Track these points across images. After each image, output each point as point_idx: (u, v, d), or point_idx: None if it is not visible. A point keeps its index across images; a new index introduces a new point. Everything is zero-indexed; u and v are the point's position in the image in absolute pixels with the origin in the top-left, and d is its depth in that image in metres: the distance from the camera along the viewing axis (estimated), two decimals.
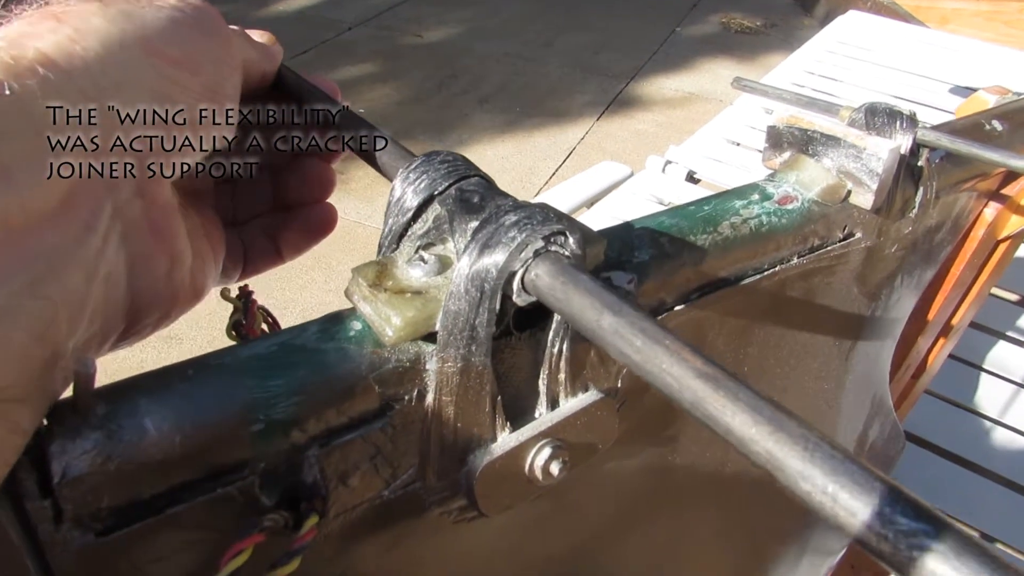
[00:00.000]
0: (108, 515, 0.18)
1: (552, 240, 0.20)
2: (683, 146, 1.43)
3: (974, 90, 1.56)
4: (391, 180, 0.25)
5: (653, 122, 2.78)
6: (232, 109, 0.23)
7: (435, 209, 0.23)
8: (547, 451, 0.23)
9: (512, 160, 2.53)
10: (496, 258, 0.20)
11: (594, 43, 3.41)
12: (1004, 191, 0.44)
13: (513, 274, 0.20)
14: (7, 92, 0.16)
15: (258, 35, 0.30)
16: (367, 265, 0.22)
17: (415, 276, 0.21)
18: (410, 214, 0.23)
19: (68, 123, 0.17)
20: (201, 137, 0.21)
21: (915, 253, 0.37)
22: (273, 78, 0.29)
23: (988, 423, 0.92)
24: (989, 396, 0.96)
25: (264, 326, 0.31)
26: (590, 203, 1.29)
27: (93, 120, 0.18)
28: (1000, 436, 0.91)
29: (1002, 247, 0.48)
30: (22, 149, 0.17)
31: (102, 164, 0.18)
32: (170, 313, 0.22)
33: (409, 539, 0.23)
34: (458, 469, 0.23)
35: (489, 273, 0.20)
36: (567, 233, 0.20)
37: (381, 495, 0.22)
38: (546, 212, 0.21)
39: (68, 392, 0.18)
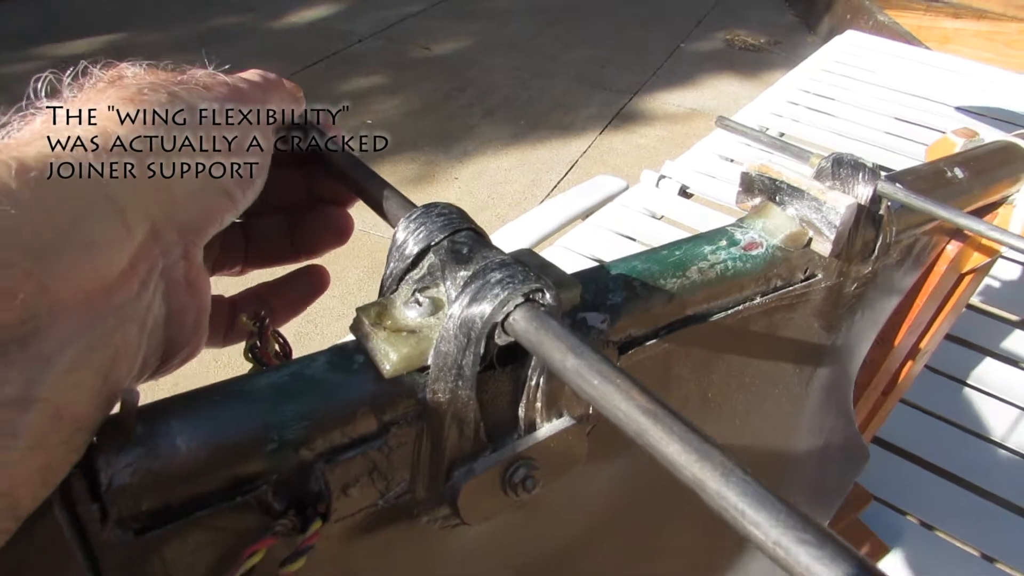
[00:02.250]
0: (145, 517, 0.21)
1: (531, 294, 0.23)
2: (678, 161, 1.46)
3: (971, 111, 1.59)
4: (393, 226, 0.28)
5: (655, 137, 2.82)
6: (262, 180, 0.27)
7: (431, 258, 0.26)
8: (523, 470, 0.26)
9: (516, 172, 2.56)
10: (483, 309, 0.23)
11: (599, 58, 3.45)
12: (966, 231, 0.47)
13: (496, 323, 0.23)
14: (89, 176, 0.19)
15: (287, 83, 0.33)
16: (370, 305, 0.25)
17: (411, 316, 0.25)
18: (409, 261, 0.26)
19: (139, 202, 0.21)
20: (236, 203, 0.25)
21: (875, 289, 0.40)
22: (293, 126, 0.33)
23: (964, 434, 0.96)
24: (970, 409, 1.00)
25: (275, 346, 0.34)
26: (585, 215, 1.33)
27: (157, 202, 0.21)
28: (975, 446, 0.95)
29: (967, 279, 0.51)
30: (103, 227, 0.20)
31: (164, 236, 0.22)
32: (193, 353, 0.25)
33: (400, 542, 0.27)
34: (444, 484, 0.26)
35: (475, 323, 0.23)
36: (544, 290, 0.24)
37: (376, 504, 0.25)
38: (527, 271, 0.24)
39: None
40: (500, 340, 0.24)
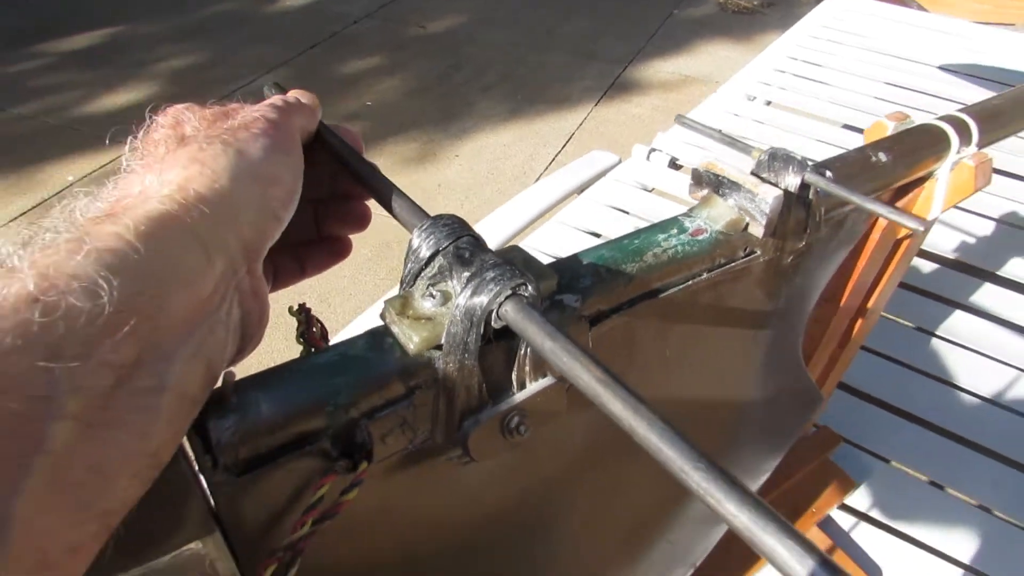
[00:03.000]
0: (243, 464, 0.29)
1: (517, 288, 0.31)
2: (668, 133, 1.53)
3: (956, 70, 1.63)
4: (408, 230, 0.35)
5: (650, 106, 2.86)
6: (298, 196, 0.34)
7: (440, 259, 0.33)
8: (517, 419, 0.35)
9: (514, 147, 2.62)
10: (481, 299, 0.30)
11: (594, 29, 3.48)
12: (897, 203, 0.55)
13: (492, 311, 0.31)
14: (188, 221, 0.27)
15: (306, 98, 0.38)
16: (395, 298, 0.33)
17: (427, 307, 0.32)
18: (423, 262, 0.34)
19: (217, 239, 0.28)
20: (283, 221, 0.33)
21: (810, 259, 0.48)
22: (314, 135, 0.39)
23: (929, 379, 1.05)
24: (936, 357, 1.08)
25: (314, 329, 0.42)
26: (580, 190, 1.40)
27: (230, 236, 0.29)
28: (938, 390, 1.03)
29: (905, 243, 0.59)
30: (195, 262, 0.26)
31: (235, 261, 0.29)
32: (257, 343, 0.33)
33: (425, 476, 0.35)
34: (457, 431, 0.34)
35: (476, 311, 0.31)
36: (527, 284, 0.31)
37: (407, 448, 0.33)
38: (513, 269, 0.31)
39: None
40: (495, 324, 0.31)
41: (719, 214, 0.43)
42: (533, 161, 2.55)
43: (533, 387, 0.35)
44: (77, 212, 0.27)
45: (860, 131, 1.50)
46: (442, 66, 3.17)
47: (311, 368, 0.31)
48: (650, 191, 1.40)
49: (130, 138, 0.33)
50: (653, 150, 1.46)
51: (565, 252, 1.06)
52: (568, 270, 0.38)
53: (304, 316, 0.41)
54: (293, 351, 0.36)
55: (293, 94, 0.38)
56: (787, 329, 0.51)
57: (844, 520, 0.89)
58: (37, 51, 3.35)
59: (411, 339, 0.31)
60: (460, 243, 0.33)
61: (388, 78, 3.09)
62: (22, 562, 0.20)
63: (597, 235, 1.27)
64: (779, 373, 0.52)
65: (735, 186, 0.43)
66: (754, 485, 0.60)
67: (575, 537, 0.46)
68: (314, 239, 0.43)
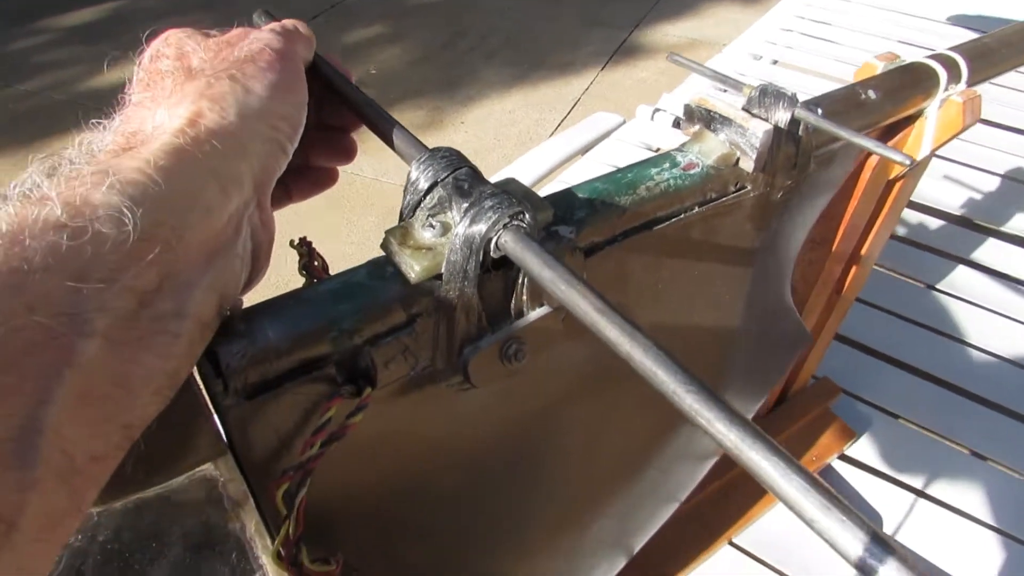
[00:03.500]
0: (251, 388, 0.30)
1: (515, 216, 0.32)
2: (674, 93, 1.53)
3: (971, 28, 1.60)
4: (406, 162, 0.36)
5: (656, 70, 2.85)
6: (302, 127, 0.35)
7: (439, 191, 0.34)
8: (515, 346, 0.36)
9: (519, 113, 2.62)
10: (479, 228, 0.31)
11: None
12: (888, 141, 0.56)
13: (490, 239, 0.32)
14: (200, 156, 0.28)
15: (303, 28, 0.38)
16: (396, 228, 0.34)
17: (427, 236, 0.33)
18: (422, 194, 0.35)
19: (231, 174, 0.29)
20: (289, 155, 0.34)
21: (799, 195, 0.48)
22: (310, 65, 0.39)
23: (930, 333, 1.05)
24: (939, 312, 1.09)
25: (316, 262, 0.43)
26: (584, 150, 1.40)
27: (243, 171, 0.30)
28: (940, 344, 1.04)
29: (897, 185, 0.60)
30: (211, 195, 0.27)
31: (246, 194, 0.30)
32: (264, 274, 0.34)
33: (426, 402, 0.36)
34: (457, 358, 0.35)
35: (475, 238, 0.32)
36: (524, 212, 0.32)
37: (409, 374, 0.34)
38: (511, 198, 0.32)
39: None
40: (494, 253, 0.32)
41: (710, 148, 0.44)
42: (539, 127, 2.54)
43: (531, 315, 0.36)
44: (95, 145, 0.28)
45: None
46: (446, 33, 3.16)
47: (315, 296, 0.33)
48: (655, 151, 1.40)
49: (135, 68, 0.34)
50: (657, 110, 1.46)
51: None
52: (563, 202, 0.39)
53: (306, 249, 0.42)
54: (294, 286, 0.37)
55: (290, 23, 0.38)
56: (775, 266, 0.52)
57: (844, 470, 0.91)
58: (41, 27, 3.35)
59: (412, 268, 0.32)
60: (458, 174, 0.34)
61: (391, 46, 3.08)
62: (51, 466, 0.21)
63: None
64: (767, 310, 0.53)
65: (726, 121, 0.44)
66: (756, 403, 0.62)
67: (570, 464, 0.48)
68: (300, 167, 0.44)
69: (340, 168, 0.46)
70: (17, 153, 2.48)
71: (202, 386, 0.30)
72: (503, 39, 3.10)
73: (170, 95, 0.30)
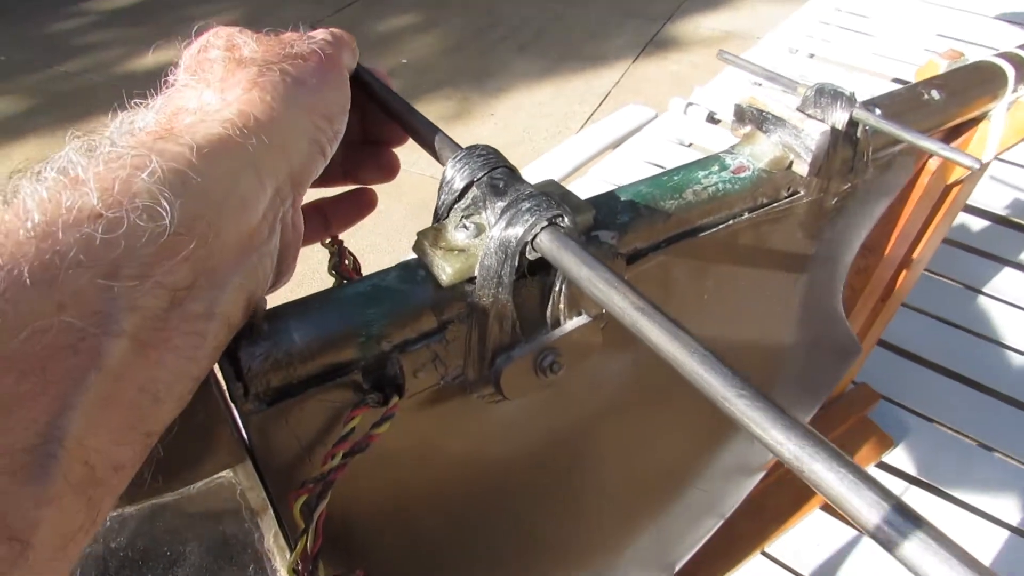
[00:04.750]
0: (273, 393, 0.29)
1: (553, 219, 0.30)
2: (707, 87, 1.49)
3: (1018, 21, 1.55)
4: (441, 163, 0.35)
5: (689, 63, 2.80)
6: (343, 132, 0.33)
7: (474, 191, 0.33)
8: (550, 357, 0.34)
9: (549, 106, 2.59)
10: (516, 231, 0.30)
11: None
12: (951, 143, 0.53)
13: (527, 242, 0.30)
14: (246, 149, 0.26)
15: (347, 36, 0.37)
16: (428, 229, 0.32)
17: (460, 238, 0.32)
18: (457, 193, 0.33)
19: (272, 169, 0.28)
20: (327, 158, 0.32)
21: (855, 201, 0.46)
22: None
23: (971, 336, 1.02)
24: (980, 315, 1.05)
25: (346, 261, 0.42)
26: (615, 145, 1.37)
27: (283, 167, 0.28)
28: (980, 348, 1.01)
29: (954, 190, 0.57)
30: (250, 188, 0.26)
31: (282, 191, 0.28)
32: (291, 275, 0.33)
33: (456, 413, 0.34)
34: (489, 368, 0.34)
35: (511, 242, 0.30)
36: (563, 215, 0.30)
37: (438, 384, 0.33)
38: (550, 199, 0.30)
39: None
40: (530, 255, 0.31)
41: (762, 151, 0.41)
42: (569, 119, 2.52)
43: (568, 325, 0.34)
44: (136, 124, 0.27)
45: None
46: (478, 24, 3.14)
47: (343, 298, 0.31)
48: (688, 146, 1.37)
49: (184, 54, 0.32)
50: (690, 104, 1.43)
51: None
52: (605, 206, 0.37)
53: (337, 248, 0.40)
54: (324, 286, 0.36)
55: (338, 31, 0.37)
56: (828, 275, 0.49)
57: (882, 478, 0.88)
58: (83, 9, 3.37)
59: (444, 271, 0.31)
60: (495, 174, 0.32)
61: (424, 36, 3.06)
62: (70, 478, 0.20)
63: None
64: (818, 321, 0.51)
65: (779, 122, 0.41)
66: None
67: (607, 481, 0.46)
68: (341, 193, 0.43)
69: None
70: (56, 133, 2.50)
71: (224, 388, 0.29)
72: (535, 30, 3.07)
73: (220, 79, 0.29)
